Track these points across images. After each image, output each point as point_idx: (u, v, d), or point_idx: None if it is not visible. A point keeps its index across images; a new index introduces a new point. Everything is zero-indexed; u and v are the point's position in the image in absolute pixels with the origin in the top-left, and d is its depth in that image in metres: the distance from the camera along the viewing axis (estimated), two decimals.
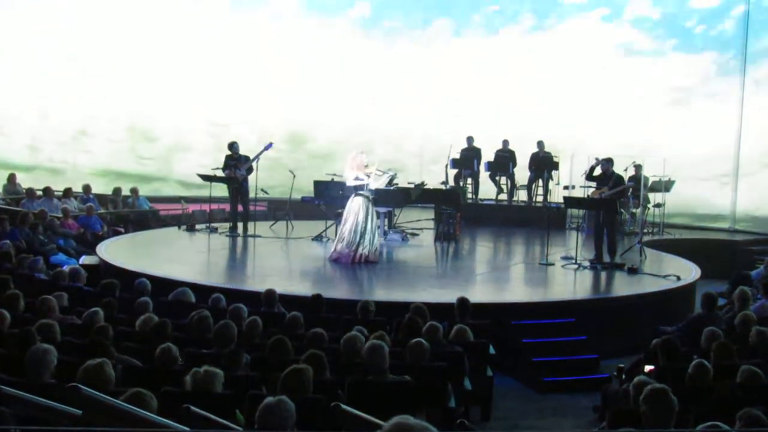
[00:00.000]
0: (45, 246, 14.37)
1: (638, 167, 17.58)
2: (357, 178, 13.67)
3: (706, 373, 6.77)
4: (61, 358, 6.18)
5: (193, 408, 4.46)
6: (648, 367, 7.85)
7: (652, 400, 5.40)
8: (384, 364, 6.66)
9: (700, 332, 8.42)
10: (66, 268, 11.64)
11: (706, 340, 8.08)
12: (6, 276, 10.06)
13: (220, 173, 16.44)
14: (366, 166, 13.70)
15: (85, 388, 3.69)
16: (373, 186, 13.84)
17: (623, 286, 12.94)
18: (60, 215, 16.21)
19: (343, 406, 4.55)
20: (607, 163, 14.11)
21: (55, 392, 4.89)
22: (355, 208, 13.67)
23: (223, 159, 16.47)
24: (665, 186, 17.92)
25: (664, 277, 13.19)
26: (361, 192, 13.67)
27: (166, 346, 6.66)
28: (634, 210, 17.95)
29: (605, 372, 10.30)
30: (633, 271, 13.57)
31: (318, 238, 15.91)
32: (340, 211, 14.38)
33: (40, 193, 17.45)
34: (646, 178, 17.59)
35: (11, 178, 18.64)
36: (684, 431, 5.45)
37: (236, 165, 16.19)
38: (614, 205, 14.11)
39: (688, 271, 13.78)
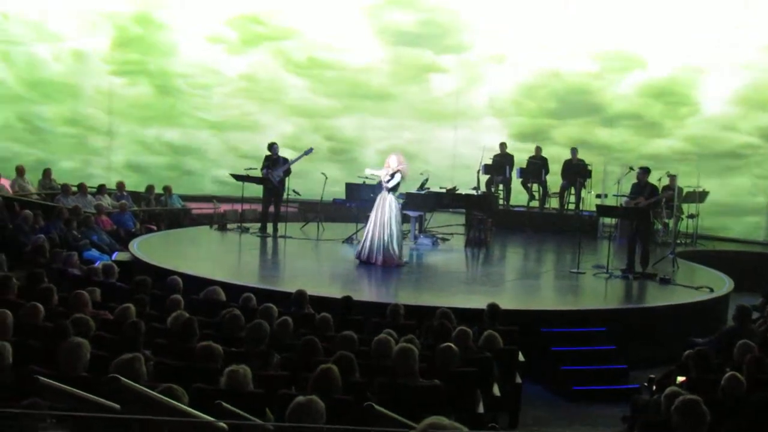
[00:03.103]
0: (78, 241, 14.48)
1: (673, 177, 17.44)
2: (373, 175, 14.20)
3: (740, 385, 6.69)
4: (92, 352, 6.23)
5: (225, 405, 4.49)
6: (680, 379, 7.79)
7: (684, 411, 5.36)
8: (414, 367, 6.65)
9: (733, 345, 8.33)
10: (99, 264, 11.73)
11: (740, 353, 7.99)
12: (40, 270, 10.16)
13: (254, 173, 16.55)
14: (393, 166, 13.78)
15: (124, 379, 3.72)
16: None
17: (655, 297, 12.85)
18: (93, 211, 16.34)
19: (376, 407, 4.55)
20: (643, 172, 14.02)
21: (88, 385, 4.93)
22: (374, 206, 13.93)
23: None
24: (699, 197, 17.76)
25: (697, 288, 13.06)
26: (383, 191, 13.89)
27: (208, 343, 6.68)
28: (667, 220, 17.81)
29: (634, 382, 10.24)
30: (665, 281, 13.46)
31: (349, 240, 15.92)
32: (369, 213, 14.41)
33: (74, 188, 17.63)
34: (680, 189, 17.45)
35: (46, 172, 18.82)
36: None
37: (273, 166, 16.30)
38: (648, 214, 14.01)
39: (721, 283, 13.64)
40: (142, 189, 19.24)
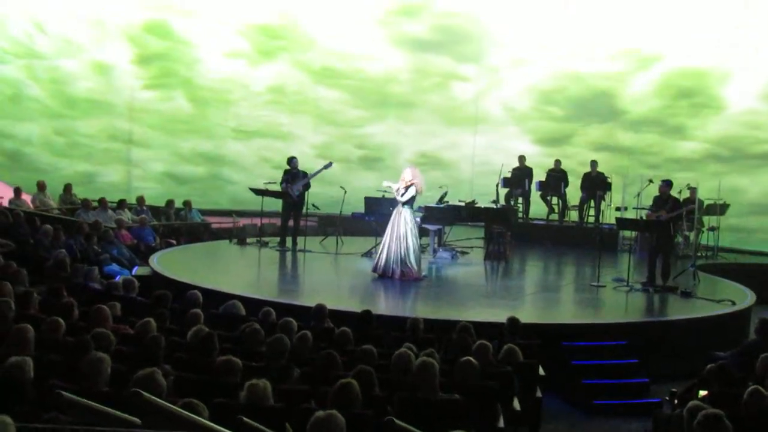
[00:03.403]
0: (99, 256, 14.55)
1: (693, 189, 17.36)
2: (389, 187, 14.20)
3: (762, 399, 6.62)
4: (113, 366, 6.24)
5: (245, 419, 4.49)
6: (702, 393, 7.73)
7: (707, 426, 5.32)
8: (434, 381, 6.62)
9: (756, 358, 8.24)
10: (119, 279, 11.78)
11: (762, 366, 7.91)
12: (60, 284, 10.20)
13: (273, 187, 16.60)
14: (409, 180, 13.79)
15: (145, 393, 3.73)
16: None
17: (676, 310, 12.78)
18: (114, 226, 16.43)
19: (396, 421, 4.54)
20: (666, 185, 13.96)
21: (109, 399, 4.95)
22: (390, 220, 13.97)
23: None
24: (720, 209, 17.66)
25: (718, 301, 12.98)
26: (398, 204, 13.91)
27: (227, 357, 6.68)
28: (687, 233, 17.71)
29: (656, 396, 10.16)
30: (686, 294, 13.39)
31: (368, 254, 15.93)
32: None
33: (95, 203, 17.73)
34: (701, 201, 17.35)
35: (67, 188, 18.96)
36: None
37: (293, 180, 16.36)
38: (669, 227, 13.93)
39: (743, 296, 13.53)
40: (179, 200, 19.48)
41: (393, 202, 14.40)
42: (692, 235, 17.45)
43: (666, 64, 21.04)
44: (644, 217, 14.85)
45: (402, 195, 13.71)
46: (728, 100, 20.63)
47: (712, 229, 17.94)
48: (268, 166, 21.51)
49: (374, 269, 13.95)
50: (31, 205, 17.83)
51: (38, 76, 21.60)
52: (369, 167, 22.14)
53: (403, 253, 13.68)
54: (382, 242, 13.96)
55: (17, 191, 17.96)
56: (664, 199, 13.92)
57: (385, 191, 15.36)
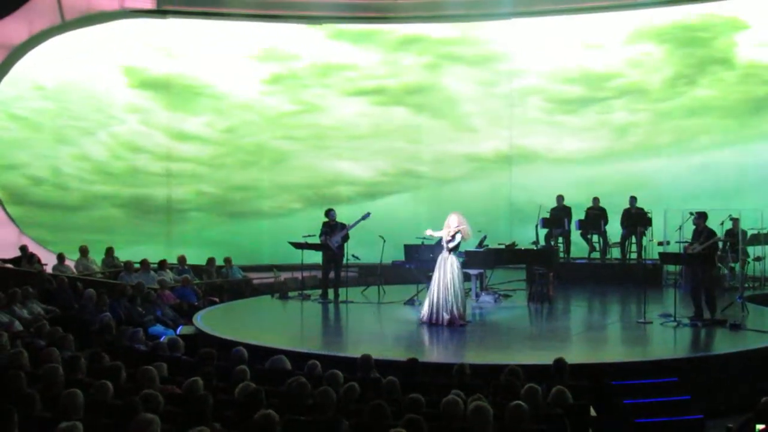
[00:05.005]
0: (143, 317, 14.65)
1: (736, 220, 17.17)
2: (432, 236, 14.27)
3: None
4: (163, 427, 6.25)
5: None
6: (759, 427, 7.56)
7: None
8: (488, 426, 6.56)
9: None
10: (164, 339, 11.84)
11: None
12: (101, 349, 10.28)
13: (312, 240, 16.69)
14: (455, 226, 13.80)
15: None
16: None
17: (726, 343, 12.55)
18: (157, 287, 16.54)
19: None
20: (699, 217, 13.85)
21: None
22: (436, 267, 13.96)
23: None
24: (765, 239, 17.42)
25: None
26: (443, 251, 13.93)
27: (265, 412, 6.66)
28: (732, 264, 17.47)
29: None
30: (735, 327, 13.17)
31: (410, 302, 15.90)
32: (430, 274, 14.37)
33: (137, 265, 17.90)
34: (745, 232, 17.14)
35: (109, 251, 19.16)
36: None
37: (331, 232, 16.46)
38: (711, 259, 13.77)
39: None
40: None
41: (433, 249, 14.39)
42: (738, 266, 17.22)
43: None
44: (684, 251, 14.72)
45: (449, 242, 13.74)
46: None
47: (757, 259, 17.69)
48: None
49: (422, 318, 13.90)
50: (74, 271, 18.04)
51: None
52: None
53: (450, 300, 13.67)
54: (429, 290, 13.94)
55: (60, 257, 18.18)
56: (700, 230, 13.81)
57: (425, 238, 15.34)
